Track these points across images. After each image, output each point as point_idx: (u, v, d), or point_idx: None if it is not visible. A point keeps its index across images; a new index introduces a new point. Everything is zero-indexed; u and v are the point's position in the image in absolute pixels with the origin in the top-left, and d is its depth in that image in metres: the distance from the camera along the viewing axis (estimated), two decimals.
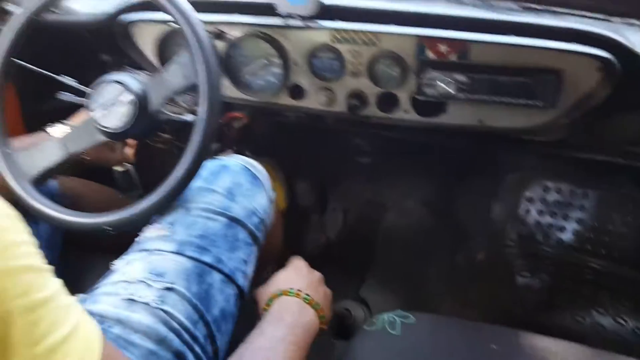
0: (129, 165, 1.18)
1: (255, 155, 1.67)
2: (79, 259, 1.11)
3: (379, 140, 1.39)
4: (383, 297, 1.45)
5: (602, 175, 1.36)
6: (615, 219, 1.38)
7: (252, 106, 1.20)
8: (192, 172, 0.88)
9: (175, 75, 0.91)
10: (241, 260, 0.92)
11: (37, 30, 0.94)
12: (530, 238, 1.48)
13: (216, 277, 0.88)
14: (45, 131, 1.05)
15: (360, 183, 1.66)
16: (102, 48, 1.34)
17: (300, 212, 1.67)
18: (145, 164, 1.26)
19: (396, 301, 1.45)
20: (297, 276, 0.93)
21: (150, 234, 0.91)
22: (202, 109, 0.86)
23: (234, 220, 0.93)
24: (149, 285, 0.83)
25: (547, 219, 1.47)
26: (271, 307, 0.85)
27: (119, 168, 1.17)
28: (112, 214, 0.88)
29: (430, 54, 0.98)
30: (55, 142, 0.94)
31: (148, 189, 0.93)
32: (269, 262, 1.15)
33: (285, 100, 1.15)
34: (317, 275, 0.96)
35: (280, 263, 1.12)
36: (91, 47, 1.33)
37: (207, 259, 0.87)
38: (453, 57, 0.97)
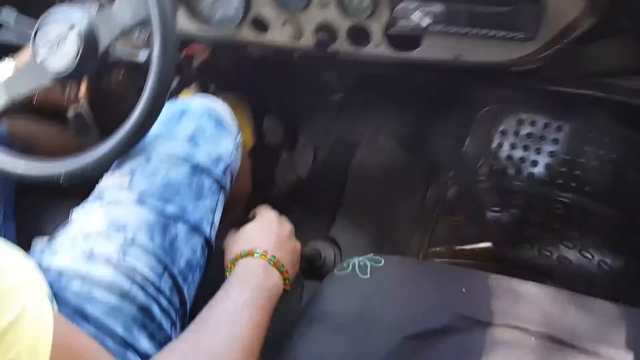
0: (82, 106, 1.09)
1: (219, 90, 1.61)
2: (37, 205, 1.06)
3: (349, 75, 1.32)
4: (354, 237, 1.44)
5: (578, 108, 1.33)
6: (589, 152, 1.37)
7: (213, 40, 1.12)
8: (150, 117, 0.82)
9: (124, 10, 0.83)
10: (208, 209, 0.88)
11: None
12: (501, 172, 1.47)
13: (181, 227, 0.84)
14: None
15: (330, 119, 1.61)
16: None
17: (269, 150, 1.61)
18: (101, 105, 1.17)
19: (367, 241, 1.44)
20: (265, 232, 0.89)
21: (110, 182, 0.86)
22: (156, 48, 0.79)
23: (197, 168, 0.88)
24: (109, 238, 0.79)
25: (519, 153, 1.45)
26: (236, 268, 0.83)
27: (71, 110, 1.08)
28: (64, 162, 0.82)
29: None
30: None
31: (105, 132, 0.87)
32: (237, 205, 1.11)
33: (247, 34, 1.07)
34: (287, 228, 0.93)
35: (248, 205, 1.09)
36: None
37: (170, 209, 0.83)
38: None
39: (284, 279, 0.85)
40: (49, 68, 0.82)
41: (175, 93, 1.44)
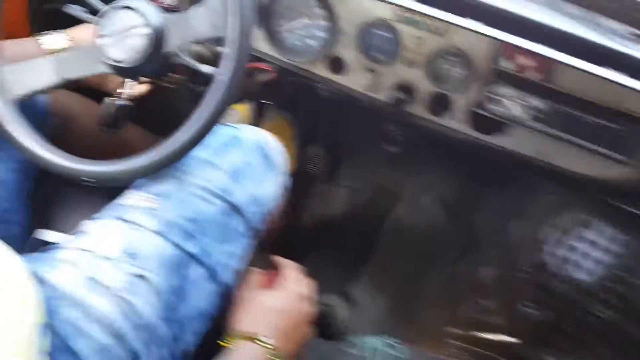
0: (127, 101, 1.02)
1: (272, 108, 1.53)
2: (56, 188, 0.99)
3: (411, 131, 1.23)
4: (372, 297, 1.34)
5: None
6: None
7: (284, 65, 1.03)
8: (198, 138, 0.74)
9: (201, 20, 0.76)
10: (230, 254, 0.79)
11: None
12: (544, 268, 1.37)
13: (197, 270, 0.75)
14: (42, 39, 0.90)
15: (377, 164, 1.51)
16: None
17: (306, 178, 1.53)
18: (145, 99, 1.10)
19: (385, 305, 1.35)
20: (280, 313, 0.78)
21: (135, 200, 0.78)
22: (225, 68, 0.71)
23: (233, 208, 0.79)
24: (118, 266, 0.71)
25: (571, 254, 1.34)
26: (237, 351, 0.72)
27: (110, 100, 1.01)
28: (97, 165, 0.74)
29: (508, 65, 0.80)
30: (48, 62, 0.79)
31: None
32: (264, 243, 1.03)
33: (322, 71, 0.98)
34: (305, 308, 0.82)
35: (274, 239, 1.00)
36: None
37: (191, 247, 0.75)
38: (534, 75, 0.79)
39: None
40: (109, 56, 0.75)
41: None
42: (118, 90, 1.00)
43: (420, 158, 1.44)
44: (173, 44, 0.77)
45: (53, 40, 0.93)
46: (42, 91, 0.79)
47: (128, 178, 0.75)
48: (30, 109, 0.91)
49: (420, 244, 1.45)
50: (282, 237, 1.23)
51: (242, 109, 1.52)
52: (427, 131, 1.02)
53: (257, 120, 1.54)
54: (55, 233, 0.92)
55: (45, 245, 0.86)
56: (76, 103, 1.07)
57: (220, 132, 0.87)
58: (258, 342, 0.73)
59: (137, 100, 1.03)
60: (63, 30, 0.95)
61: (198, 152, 0.82)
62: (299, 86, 1.28)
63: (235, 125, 0.91)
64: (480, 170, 1.41)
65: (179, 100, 1.31)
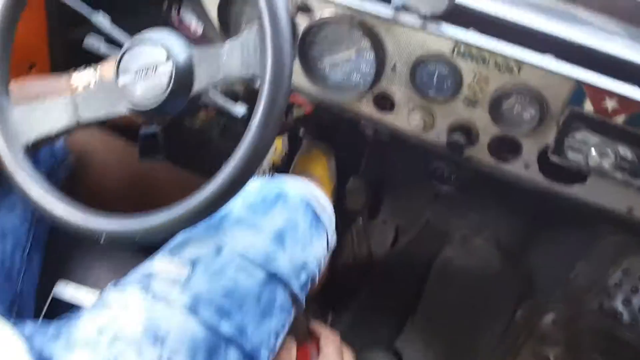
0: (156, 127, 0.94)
1: (310, 138, 1.44)
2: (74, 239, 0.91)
3: (464, 170, 1.12)
4: (421, 353, 1.22)
5: None
6: None
7: (323, 102, 0.94)
8: (230, 193, 0.64)
9: (234, 57, 0.67)
10: (272, 332, 0.70)
11: None
12: (613, 315, 1.23)
13: (233, 354, 0.66)
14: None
15: (424, 200, 1.40)
16: None
17: (346, 214, 1.42)
18: (178, 136, 1.02)
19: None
20: None
21: (164, 266, 0.69)
22: (260, 112, 0.62)
23: (274, 278, 0.70)
24: (140, 351, 0.62)
25: None
26: None
27: (143, 128, 0.93)
28: (114, 221, 0.65)
29: (589, 107, 0.69)
30: (64, 103, 0.72)
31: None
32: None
33: (367, 108, 0.88)
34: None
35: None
36: None
37: (226, 328, 0.65)
38: (619, 119, 0.68)
39: None
40: (130, 96, 0.68)
41: None
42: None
43: (474, 196, 1.32)
44: (201, 83, 0.69)
45: (85, 77, 0.87)
46: (57, 135, 0.73)
47: (146, 238, 0.65)
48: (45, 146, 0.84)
49: (473, 289, 1.33)
50: (323, 283, 1.13)
51: (276, 141, 1.44)
52: (485, 174, 0.91)
53: (292, 152, 1.45)
54: (76, 288, 0.85)
55: (62, 307, 0.79)
56: (94, 138, 1.00)
57: (262, 187, 0.78)
58: None
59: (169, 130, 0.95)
60: (95, 65, 0.88)
61: (237, 211, 0.73)
62: (339, 119, 1.19)
63: (280, 178, 0.82)
64: (538, 212, 1.29)
65: (209, 134, 1.24)
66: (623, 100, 0.66)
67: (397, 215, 1.42)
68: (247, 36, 0.66)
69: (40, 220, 0.85)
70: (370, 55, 0.81)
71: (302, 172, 1.34)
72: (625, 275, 1.23)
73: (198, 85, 0.70)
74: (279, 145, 1.43)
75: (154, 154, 0.96)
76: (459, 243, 1.34)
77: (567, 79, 0.68)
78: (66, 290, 0.85)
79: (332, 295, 1.29)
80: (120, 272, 0.72)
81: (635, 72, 0.68)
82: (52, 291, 0.85)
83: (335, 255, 1.39)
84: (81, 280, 0.86)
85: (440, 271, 1.32)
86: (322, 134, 1.39)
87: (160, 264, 0.69)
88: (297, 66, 0.88)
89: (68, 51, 1.19)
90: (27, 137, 0.71)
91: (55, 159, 0.88)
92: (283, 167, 1.42)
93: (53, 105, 0.72)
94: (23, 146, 0.70)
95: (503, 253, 1.33)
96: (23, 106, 0.72)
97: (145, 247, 0.74)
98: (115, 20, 0.77)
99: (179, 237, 0.73)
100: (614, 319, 1.22)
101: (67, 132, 0.73)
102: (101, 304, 0.68)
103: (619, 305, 1.23)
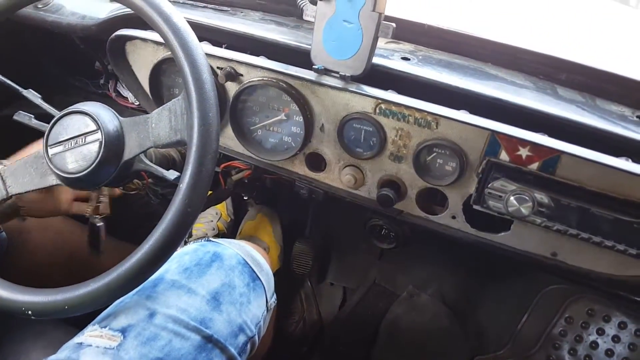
0: (99, 221, 0.92)
1: (254, 203, 1.44)
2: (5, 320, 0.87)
3: (404, 226, 1.14)
4: None
5: None
6: None
7: (260, 164, 0.95)
8: (161, 256, 0.63)
9: (162, 124, 0.68)
10: None
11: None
12: None
13: None
14: None
15: (369, 260, 1.40)
16: (94, 54, 1.10)
17: (292, 279, 1.41)
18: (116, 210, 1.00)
19: None
20: None
21: (93, 338, 0.66)
22: (187, 176, 0.62)
23: (210, 341, 0.68)
24: None
25: (585, 349, 1.22)
26: None
27: (95, 220, 0.91)
28: (41, 295, 0.63)
29: (505, 156, 0.72)
30: None
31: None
32: None
33: (300, 168, 0.90)
34: None
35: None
36: (83, 50, 1.08)
37: None
38: (534, 167, 0.71)
39: None
40: (60, 166, 0.68)
41: (208, 205, 1.28)
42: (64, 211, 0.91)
43: (414, 252, 1.34)
44: (132, 150, 0.70)
45: None
46: None
47: (76, 309, 0.62)
48: None
49: (423, 347, 1.32)
50: (271, 349, 1.09)
51: (220, 207, 1.44)
52: (420, 227, 0.92)
53: (237, 217, 1.45)
54: None
55: None
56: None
57: (198, 250, 0.78)
58: None
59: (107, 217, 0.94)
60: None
61: (171, 275, 0.72)
62: (277, 183, 1.20)
63: (215, 241, 0.81)
64: (480, 263, 1.31)
65: (145, 204, 1.22)
66: (535, 148, 0.70)
67: (344, 276, 1.41)
68: (174, 103, 0.67)
69: None
70: (299, 118, 0.84)
71: (249, 238, 1.33)
72: (568, 324, 1.24)
73: (129, 153, 0.70)
74: (223, 212, 1.43)
75: (97, 245, 0.95)
76: (405, 300, 1.34)
77: (482, 131, 0.72)
78: None
79: None
80: (53, 350, 0.69)
81: (544, 121, 0.72)
82: None
83: (284, 321, 1.36)
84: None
85: (389, 330, 1.31)
86: (266, 198, 1.40)
87: (90, 335, 0.66)
88: (230, 132, 0.89)
89: None
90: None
91: None
92: (229, 234, 1.41)
93: None
94: None
95: (450, 308, 1.33)
96: None
97: (78, 322, 0.71)
98: (46, 99, 0.78)
99: (111, 307, 0.71)
100: None
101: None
102: None
103: (565, 355, 1.23)
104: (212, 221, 1.42)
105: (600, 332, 1.22)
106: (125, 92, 1.18)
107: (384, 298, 1.35)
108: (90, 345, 0.65)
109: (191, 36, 0.65)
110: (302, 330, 1.36)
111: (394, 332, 1.31)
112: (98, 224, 0.86)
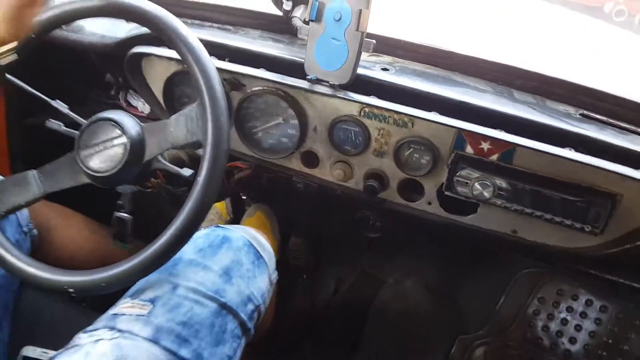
0: (127, 215, 1.04)
1: (252, 202, 1.56)
2: (42, 303, 0.98)
3: (387, 216, 1.27)
4: None
5: (628, 295, 1.24)
6: (634, 340, 1.26)
7: (260, 162, 1.08)
8: (183, 239, 0.75)
9: (179, 128, 0.80)
10: (225, 357, 0.79)
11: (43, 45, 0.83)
12: (535, 342, 1.36)
13: None
14: None
15: (358, 251, 1.53)
16: (108, 69, 1.22)
17: (289, 270, 1.53)
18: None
19: None
20: None
21: (127, 308, 0.78)
22: (204, 171, 0.74)
23: (224, 308, 0.80)
24: None
25: (557, 326, 1.35)
26: None
27: (121, 214, 1.03)
28: (79, 275, 0.74)
29: (470, 150, 0.86)
30: (31, 177, 0.82)
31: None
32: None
33: (296, 165, 1.03)
34: None
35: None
36: (97, 66, 1.21)
37: (185, 353, 0.74)
38: (494, 157, 0.85)
39: None
40: (89, 167, 0.79)
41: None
42: None
43: (399, 241, 1.47)
44: (152, 151, 0.81)
45: None
46: (25, 205, 0.81)
47: (111, 286, 0.74)
48: (9, 222, 0.92)
49: (409, 330, 1.44)
50: (270, 333, 1.22)
51: (220, 206, 1.56)
52: (402, 215, 1.06)
53: (235, 215, 1.57)
54: (42, 350, 0.91)
55: None
56: (55, 213, 1.08)
57: (209, 234, 0.90)
58: None
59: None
60: None
61: (189, 255, 0.84)
62: (275, 180, 1.33)
63: (224, 227, 0.94)
64: (458, 251, 1.44)
65: (159, 203, 1.34)
66: (494, 142, 0.84)
67: (336, 267, 1.54)
68: (190, 110, 0.79)
69: (7, 289, 0.92)
70: (294, 121, 0.97)
71: None
72: (540, 304, 1.37)
73: (149, 154, 0.82)
74: (222, 210, 1.55)
75: (125, 237, 1.07)
76: (391, 287, 1.47)
77: (450, 129, 0.86)
78: (33, 352, 0.91)
79: (278, 349, 1.37)
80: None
81: (502, 119, 0.86)
82: (20, 355, 0.91)
83: (280, 311, 1.48)
84: (46, 344, 0.91)
85: (377, 315, 1.44)
86: (263, 197, 1.52)
87: (123, 306, 0.79)
88: (235, 135, 1.02)
89: (24, 137, 1.29)
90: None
91: (20, 233, 0.96)
92: None
93: (21, 180, 0.81)
94: None
95: (433, 293, 1.46)
96: None
97: (105, 303, 0.83)
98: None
99: (139, 284, 0.83)
100: (536, 345, 1.36)
101: (34, 202, 0.82)
102: (72, 345, 0.75)
103: (539, 332, 1.36)
104: (212, 219, 1.54)
105: (570, 309, 1.35)
106: (135, 102, 1.30)
107: (372, 285, 1.48)
108: (124, 314, 0.77)
109: (204, 53, 0.77)
110: (297, 318, 1.49)
111: (381, 317, 1.44)
112: (126, 218, 0.97)
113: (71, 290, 0.74)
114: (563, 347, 1.32)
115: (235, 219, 1.56)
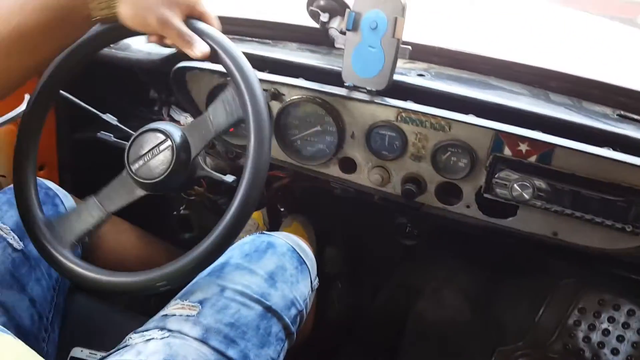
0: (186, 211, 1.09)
1: (288, 211, 1.59)
2: (86, 305, 1.02)
3: (425, 222, 1.28)
4: None
5: None
6: None
7: (298, 169, 1.11)
8: (225, 244, 0.78)
9: (218, 113, 0.82)
10: (269, 359, 0.81)
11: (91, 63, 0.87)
12: (577, 354, 1.34)
13: None
14: None
15: (395, 260, 1.54)
16: (152, 85, 1.28)
17: (325, 279, 1.54)
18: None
19: None
20: None
21: (177, 309, 0.81)
22: (247, 176, 0.77)
23: (269, 311, 0.83)
24: None
25: (598, 337, 1.33)
26: None
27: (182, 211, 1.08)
28: (138, 275, 0.77)
29: (508, 151, 0.87)
30: (92, 203, 0.85)
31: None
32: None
33: (334, 171, 1.05)
34: None
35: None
36: (142, 82, 1.26)
37: (232, 353, 0.76)
38: (532, 159, 0.86)
39: None
40: (142, 177, 0.81)
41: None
42: None
43: (436, 250, 1.47)
44: (197, 145, 0.83)
45: None
46: (93, 230, 0.85)
47: (171, 282, 0.76)
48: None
49: (447, 340, 1.43)
50: (310, 339, 1.23)
51: (257, 217, 1.59)
52: (440, 221, 1.07)
53: (272, 227, 1.60)
54: (90, 351, 0.95)
55: None
56: (113, 230, 1.13)
57: (255, 240, 0.93)
58: None
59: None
60: None
61: (235, 259, 0.87)
62: (312, 190, 1.36)
63: (268, 233, 0.97)
64: (496, 260, 1.43)
65: (201, 211, 1.39)
66: (533, 143, 0.85)
67: (372, 275, 1.55)
68: (224, 93, 0.80)
69: (60, 291, 0.96)
70: (332, 128, 1.00)
71: None
72: (581, 314, 1.36)
73: (195, 148, 0.83)
74: (259, 221, 1.58)
75: (187, 231, 1.10)
76: (430, 296, 1.47)
77: (487, 131, 0.87)
78: (81, 354, 0.95)
79: (317, 356, 1.38)
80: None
81: (539, 121, 0.87)
82: (69, 356, 0.94)
83: (319, 317, 1.50)
84: (94, 345, 0.95)
85: (415, 324, 1.44)
86: (300, 207, 1.55)
87: (173, 308, 0.81)
88: (275, 143, 1.05)
89: (73, 151, 1.35)
90: (69, 239, 0.83)
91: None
92: None
93: (84, 208, 0.85)
94: (69, 247, 0.82)
95: (471, 303, 1.46)
96: (60, 218, 0.86)
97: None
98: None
99: (188, 286, 0.86)
100: (577, 357, 1.33)
101: (100, 224, 0.85)
102: (123, 345, 0.78)
103: (580, 343, 1.34)
104: (250, 230, 1.57)
105: (611, 320, 1.33)
106: (177, 116, 1.35)
107: (409, 294, 1.48)
108: (174, 315, 0.80)
109: (248, 66, 0.80)
110: (334, 326, 1.50)
111: (419, 326, 1.44)
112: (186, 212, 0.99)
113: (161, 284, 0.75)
114: (605, 358, 1.30)
115: (272, 230, 1.59)
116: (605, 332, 1.33)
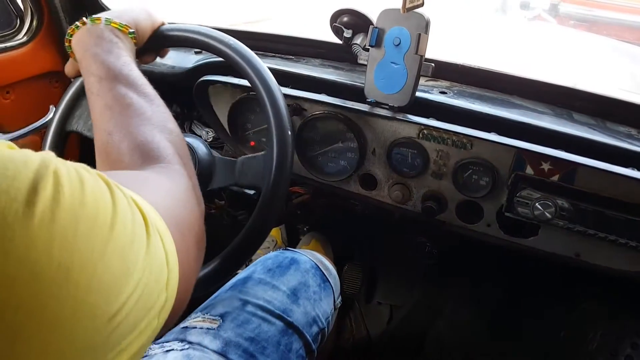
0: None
1: (308, 229, 1.59)
2: None
3: (445, 241, 1.27)
4: None
5: None
6: None
7: (319, 186, 1.11)
8: (245, 256, 0.79)
9: (246, 170, 0.85)
10: None
11: None
12: None
13: None
14: None
15: (413, 279, 1.52)
16: (175, 99, 1.30)
17: (343, 299, 1.53)
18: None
19: None
20: None
21: (197, 322, 0.81)
22: (269, 189, 0.78)
23: (291, 327, 0.82)
24: None
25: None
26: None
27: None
28: None
29: (530, 170, 0.86)
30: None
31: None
32: None
33: (355, 188, 1.06)
34: None
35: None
36: (165, 96, 1.28)
37: None
38: (555, 178, 0.85)
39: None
40: None
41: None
42: None
43: (456, 270, 1.45)
44: (218, 183, 0.86)
45: None
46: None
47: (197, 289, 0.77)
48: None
49: None
50: (330, 358, 1.22)
51: (275, 234, 1.60)
52: (459, 242, 1.06)
53: (290, 244, 1.60)
54: None
55: None
56: None
57: (278, 255, 0.94)
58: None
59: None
60: None
61: (258, 274, 0.87)
62: (332, 207, 1.35)
63: (292, 250, 0.97)
64: (517, 281, 1.41)
65: (219, 225, 1.39)
66: (555, 162, 0.84)
67: (390, 295, 1.53)
68: (259, 156, 0.84)
69: None
70: (354, 144, 1.00)
71: None
72: (603, 340, 1.32)
73: (215, 184, 0.87)
74: (278, 238, 1.58)
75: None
76: (447, 316, 1.45)
77: (509, 149, 0.86)
78: None
79: None
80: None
81: (562, 140, 0.86)
82: None
83: (336, 337, 1.48)
84: None
85: (432, 345, 1.41)
86: (319, 224, 1.55)
87: (194, 320, 0.82)
88: (296, 157, 1.06)
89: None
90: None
91: None
92: None
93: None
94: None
95: (489, 325, 1.43)
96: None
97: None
98: None
99: (209, 299, 0.86)
100: None
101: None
102: (144, 358, 0.78)
103: None
104: (268, 247, 1.58)
105: (635, 346, 1.29)
106: (199, 131, 1.37)
107: (428, 314, 1.46)
108: (195, 327, 0.80)
109: (272, 80, 0.82)
110: (351, 346, 1.48)
111: (437, 347, 1.41)
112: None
113: None
114: None
115: (290, 247, 1.59)
116: (629, 359, 1.29)
